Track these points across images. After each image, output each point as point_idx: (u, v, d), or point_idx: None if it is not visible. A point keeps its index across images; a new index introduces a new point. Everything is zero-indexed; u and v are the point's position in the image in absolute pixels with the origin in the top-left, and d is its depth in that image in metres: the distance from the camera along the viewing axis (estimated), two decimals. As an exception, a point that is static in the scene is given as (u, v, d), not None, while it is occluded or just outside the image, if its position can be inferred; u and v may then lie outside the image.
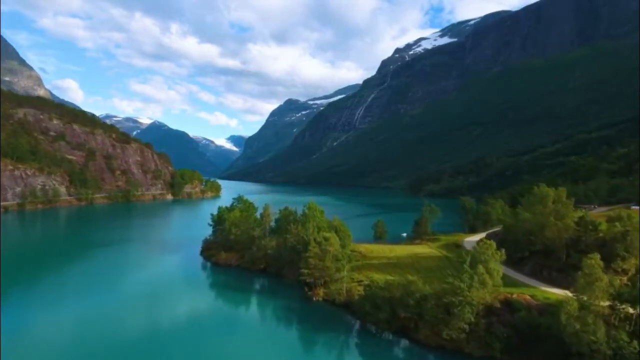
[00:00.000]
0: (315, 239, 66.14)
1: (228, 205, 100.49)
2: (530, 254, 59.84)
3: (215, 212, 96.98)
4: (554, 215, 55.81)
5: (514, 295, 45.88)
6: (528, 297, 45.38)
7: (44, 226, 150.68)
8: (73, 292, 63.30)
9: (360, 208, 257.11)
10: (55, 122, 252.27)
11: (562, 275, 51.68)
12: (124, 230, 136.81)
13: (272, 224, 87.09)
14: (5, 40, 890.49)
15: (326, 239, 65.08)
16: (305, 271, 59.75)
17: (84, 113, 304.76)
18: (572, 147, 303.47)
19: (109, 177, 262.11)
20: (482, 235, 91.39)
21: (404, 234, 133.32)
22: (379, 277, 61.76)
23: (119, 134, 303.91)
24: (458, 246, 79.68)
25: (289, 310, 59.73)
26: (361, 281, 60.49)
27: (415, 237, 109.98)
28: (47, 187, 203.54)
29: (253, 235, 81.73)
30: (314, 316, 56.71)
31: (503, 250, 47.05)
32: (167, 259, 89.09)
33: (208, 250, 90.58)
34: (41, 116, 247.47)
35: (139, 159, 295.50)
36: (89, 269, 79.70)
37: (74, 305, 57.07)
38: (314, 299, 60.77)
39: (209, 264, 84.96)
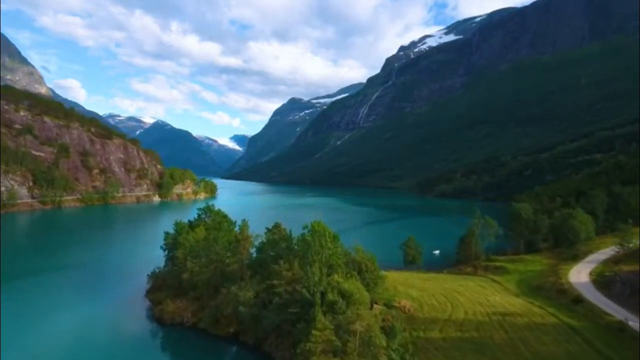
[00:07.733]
0: (323, 293, 35.01)
1: (220, 208, 69.32)
2: None
3: (180, 228, 64.98)
4: None
5: None
6: None
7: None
8: None
9: (369, 212, 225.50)
10: (22, 113, 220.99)
11: None
12: (61, 248, 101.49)
13: (253, 251, 53.28)
14: (7, 39, 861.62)
15: (347, 297, 33.71)
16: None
17: (60, 104, 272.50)
18: (595, 145, 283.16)
19: (85, 177, 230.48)
20: (587, 266, 59.44)
21: (436, 252, 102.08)
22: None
23: (99, 128, 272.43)
24: (577, 301, 44.74)
25: None
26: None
27: (462, 260, 78.44)
28: (1, 189, 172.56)
29: (221, 272, 49.49)
30: None
31: None
32: (91, 308, 53.99)
33: (155, 291, 56.96)
34: (6, 107, 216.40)
35: (121, 156, 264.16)
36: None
37: None
38: None
39: (152, 318, 51.37)
